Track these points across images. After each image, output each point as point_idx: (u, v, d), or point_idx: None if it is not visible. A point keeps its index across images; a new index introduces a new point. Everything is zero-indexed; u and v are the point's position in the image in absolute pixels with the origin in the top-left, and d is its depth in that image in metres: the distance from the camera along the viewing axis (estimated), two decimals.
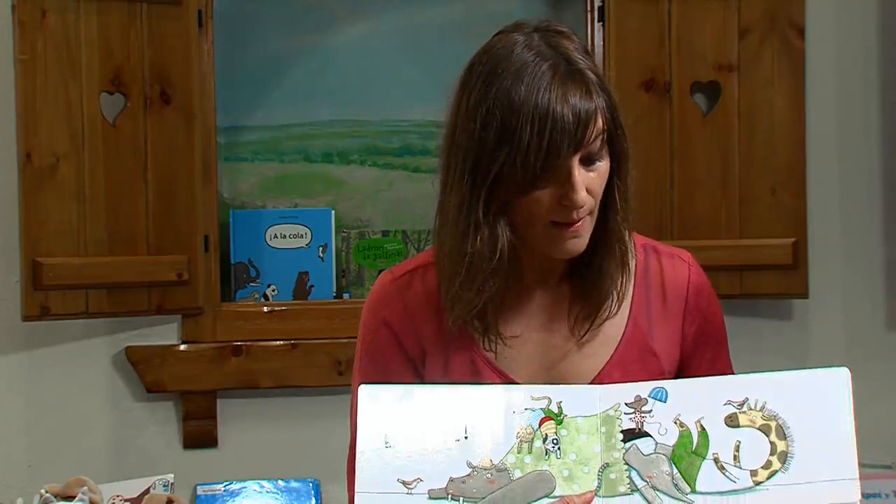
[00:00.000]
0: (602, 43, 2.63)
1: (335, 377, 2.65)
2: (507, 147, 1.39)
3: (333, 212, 2.89)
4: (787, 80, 2.61)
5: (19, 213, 2.40)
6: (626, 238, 1.51)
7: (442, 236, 1.49)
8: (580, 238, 1.44)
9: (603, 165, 1.44)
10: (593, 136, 1.40)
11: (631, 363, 1.51)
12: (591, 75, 1.42)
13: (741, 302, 2.61)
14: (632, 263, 1.54)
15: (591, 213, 1.44)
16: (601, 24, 2.63)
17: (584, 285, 1.52)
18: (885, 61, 2.77)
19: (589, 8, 2.66)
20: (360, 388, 1.40)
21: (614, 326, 1.53)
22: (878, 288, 2.79)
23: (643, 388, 1.39)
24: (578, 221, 1.43)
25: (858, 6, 2.77)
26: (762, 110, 2.62)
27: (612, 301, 1.51)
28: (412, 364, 1.55)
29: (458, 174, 1.43)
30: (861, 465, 1.38)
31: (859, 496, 1.37)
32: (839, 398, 1.39)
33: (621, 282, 1.51)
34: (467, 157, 1.42)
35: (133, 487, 2.48)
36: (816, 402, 1.39)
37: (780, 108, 2.62)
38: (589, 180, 1.42)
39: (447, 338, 1.53)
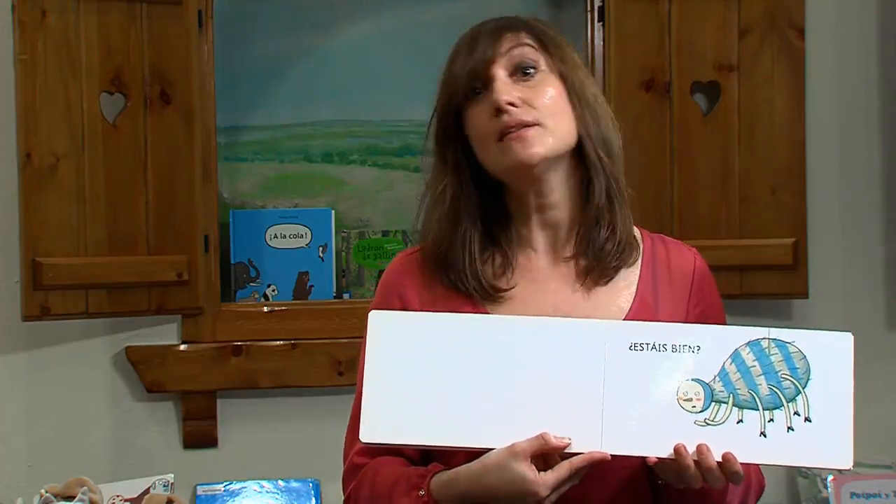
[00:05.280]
0: (602, 43, 2.63)
1: (335, 377, 2.64)
2: (447, 82, 1.61)
3: (333, 212, 2.89)
4: (787, 80, 2.61)
5: (19, 213, 2.40)
6: (610, 169, 1.56)
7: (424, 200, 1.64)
8: (526, 142, 1.50)
9: (543, 81, 1.54)
10: (511, 47, 1.55)
11: None
12: (526, 19, 1.59)
13: (741, 302, 2.60)
14: (631, 230, 1.58)
15: (541, 125, 1.51)
16: (601, 24, 2.63)
17: (584, 240, 1.56)
18: (885, 61, 2.77)
19: (589, 8, 2.66)
20: (370, 314, 1.46)
21: (621, 299, 1.56)
22: (878, 288, 2.79)
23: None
24: (515, 126, 1.50)
25: (858, 6, 2.77)
26: (762, 110, 2.62)
27: (612, 243, 1.55)
28: None
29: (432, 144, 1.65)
30: (861, 464, 1.38)
31: (852, 463, 1.37)
32: (841, 363, 1.40)
33: (617, 223, 1.56)
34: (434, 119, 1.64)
35: (133, 487, 2.49)
36: (818, 362, 1.40)
37: (780, 108, 2.62)
38: (523, 91, 1.52)
39: (454, 303, 1.55)
